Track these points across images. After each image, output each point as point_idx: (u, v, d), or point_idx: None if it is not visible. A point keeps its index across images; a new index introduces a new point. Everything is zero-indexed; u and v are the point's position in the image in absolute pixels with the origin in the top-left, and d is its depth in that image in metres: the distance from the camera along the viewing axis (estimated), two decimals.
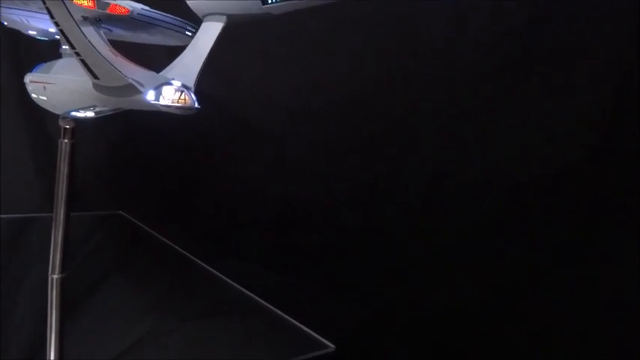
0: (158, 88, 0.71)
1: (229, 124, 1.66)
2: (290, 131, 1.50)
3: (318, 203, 1.40)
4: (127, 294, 1.28)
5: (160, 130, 1.82)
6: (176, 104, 0.71)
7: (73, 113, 0.89)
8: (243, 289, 1.31)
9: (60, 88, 0.86)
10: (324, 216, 1.41)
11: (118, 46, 0.91)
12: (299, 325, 1.20)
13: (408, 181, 1.25)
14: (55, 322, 1.04)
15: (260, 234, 1.51)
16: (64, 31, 0.68)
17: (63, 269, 1.03)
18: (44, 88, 0.89)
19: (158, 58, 0.95)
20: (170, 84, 0.73)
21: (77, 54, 0.70)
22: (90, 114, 0.91)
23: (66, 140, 0.97)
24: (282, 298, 1.27)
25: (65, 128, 0.96)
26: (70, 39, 0.68)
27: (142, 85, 0.72)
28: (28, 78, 0.96)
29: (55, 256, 1.01)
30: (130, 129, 1.87)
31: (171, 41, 1.00)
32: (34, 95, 0.95)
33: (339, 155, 1.36)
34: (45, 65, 0.94)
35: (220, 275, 1.38)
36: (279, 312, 1.24)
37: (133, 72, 0.74)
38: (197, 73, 0.77)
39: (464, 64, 1.16)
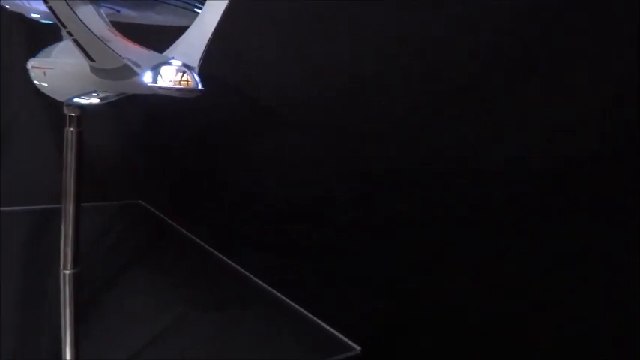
0: (156, 69, 0.66)
1: (249, 111, 1.62)
2: (310, 117, 1.46)
3: (340, 192, 1.35)
4: (143, 287, 1.25)
5: (182, 116, 1.79)
6: (176, 86, 0.66)
7: (76, 100, 0.84)
8: (264, 284, 1.25)
9: (59, 73, 0.81)
10: (347, 206, 1.35)
11: (134, 29, 0.86)
12: (321, 323, 1.13)
13: (433, 168, 1.19)
14: (69, 320, 1.00)
15: (281, 226, 1.47)
16: (53, 8, 0.63)
17: (75, 264, 0.99)
18: (44, 73, 0.84)
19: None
20: (169, 64, 0.67)
21: (69, 34, 0.65)
22: (94, 100, 0.86)
23: (72, 129, 0.92)
24: (302, 293, 1.21)
25: (71, 116, 0.91)
26: (60, 17, 0.63)
27: (138, 66, 0.66)
28: (30, 64, 0.92)
29: (67, 251, 0.97)
30: (152, 115, 1.83)
31: (182, 21, 0.95)
32: (36, 82, 0.90)
33: (359, 141, 1.30)
34: (47, 49, 0.89)
35: (240, 269, 1.33)
36: (300, 308, 1.17)
37: (130, 52, 0.68)
38: (202, 51, 0.71)
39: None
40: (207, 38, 0.71)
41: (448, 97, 1.16)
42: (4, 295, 1.21)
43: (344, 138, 1.35)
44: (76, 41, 0.64)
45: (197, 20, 0.73)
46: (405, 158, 1.23)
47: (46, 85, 0.85)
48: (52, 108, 1.82)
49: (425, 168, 1.19)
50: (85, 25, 0.63)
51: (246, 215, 1.56)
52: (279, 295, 1.21)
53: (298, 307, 1.19)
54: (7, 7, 1.06)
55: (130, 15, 1.16)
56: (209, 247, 1.42)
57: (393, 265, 1.23)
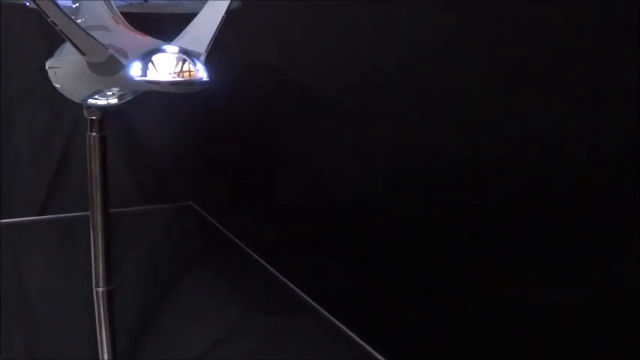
0: (145, 59, 0.54)
1: (301, 105, 1.53)
2: (368, 106, 1.35)
3: (401, 189, 1.23)
4: (188, 296, 1.17)
5: (235, 111, 1.72)
6: (169, 79, 0.54)
7: (92, 101, 0.75)
8: (308, 298, 1.13)
9: (66, 72, 0.72)
10: (410, 205, 1.22)
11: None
12: (366, 347, 1.00)
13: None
14: (105, 340, 0.93)
15: (333, 236, 1.36)
16: None
17: (108, 281, 0.91)
18: (55, 73, 0.76)
19: None
20: (162, 51, 0.55)
21: (54, 24, 0.55)
22: (113, 100, 0.76)
23: (94, 134, 0.83)
24: (341, 306, 1.08)
25: (92, 120, 0.83)
26: (39, 4, 0.53)
27: (125, 57, 0.55)
28: (47, 64, 0.84)
29: (98, 266, 0.90)
30: (204, 110, 1.76)
31: None
32: (54, 84, 0.82)
33: (422, 130, 1.18)
34: (61, 46, 0.81)
35: (286, 280, 1.21)
36: (343, 327, 1.04)
37: (120, 41, 0.57)
38: (212, 35, 0.59)
39: None
40: (219, 19, 0.59)
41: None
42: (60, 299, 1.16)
43: (414, 126, 1.23)
44: (62, 32, 0.54)
45: (209, 1, 0.62)
46: (481, 146, 1.10)
47: (59, 86, 0.76)
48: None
49: (510, 156, 1.06)
50: (63, 12, 0.52)
51: (296, 220, 1.47)
52: (323, 311, 1.08)
53: (335, 321, 1.06)
54: (27, 3, 0.99)
55: (159, 4, 1.07)
56: (254, 254, 1.32)
57: (462, 274, 1.10)
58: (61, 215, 1.63)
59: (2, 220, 1.53)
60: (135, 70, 0.53)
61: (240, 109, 1.73)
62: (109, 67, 0.55)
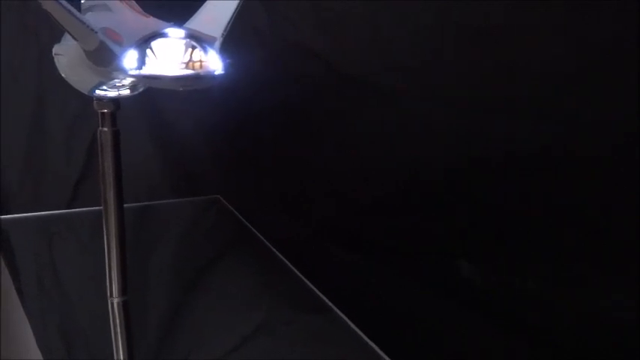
0: (142, 46, 0.43)
1: (340, 95, 1.41)
2: (415, 90, 1.22)
3: (452, 180, 1.11)
4: (213, 292, 1.09)
5: (268, 100, 1.62)
6: (171, 74, 0.43)
7: (100, 92, 0.66)
8: (340, 312, 1.03)
9: (67, 61, 0.62)
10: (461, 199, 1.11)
11: None
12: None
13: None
14: (122, 353, 0.85)
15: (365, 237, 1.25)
16: None
17: (124, 290, 0.82)
18: (58, 61, 0.67)
19: None
20: (163, 35, 0.44)
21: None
22: (125, 92, 0.67)
23: (105, 129, 0.74)
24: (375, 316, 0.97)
25: (103, 113, 0.73)
26: None
27: (119, 43, 0.44)
28: (54, 50, 0.74)
29: (112, 275, 0.81)
30: (238, 99, 1.67)
31: None
32: (60, 73, 0.73)
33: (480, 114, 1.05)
34: None
35: (307, 281, 1.11)
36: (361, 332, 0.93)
37: (119, 24, 0.47)
38: (229, 17, 0.48)
39: None
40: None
41: None
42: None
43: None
44: (48, 12, 0.44)
45: None
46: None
47: (64, 75, 0.67)
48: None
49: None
50: None
51: (328, 220, 1.37)
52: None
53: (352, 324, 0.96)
54: None
55: None
56: (282, 256, 1.22)
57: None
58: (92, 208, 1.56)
59: (34, 214, 1.47)
60: (129, 60, 0.42)
61: (273, 98, 1.62)
62: (101, 57, 0.45)
